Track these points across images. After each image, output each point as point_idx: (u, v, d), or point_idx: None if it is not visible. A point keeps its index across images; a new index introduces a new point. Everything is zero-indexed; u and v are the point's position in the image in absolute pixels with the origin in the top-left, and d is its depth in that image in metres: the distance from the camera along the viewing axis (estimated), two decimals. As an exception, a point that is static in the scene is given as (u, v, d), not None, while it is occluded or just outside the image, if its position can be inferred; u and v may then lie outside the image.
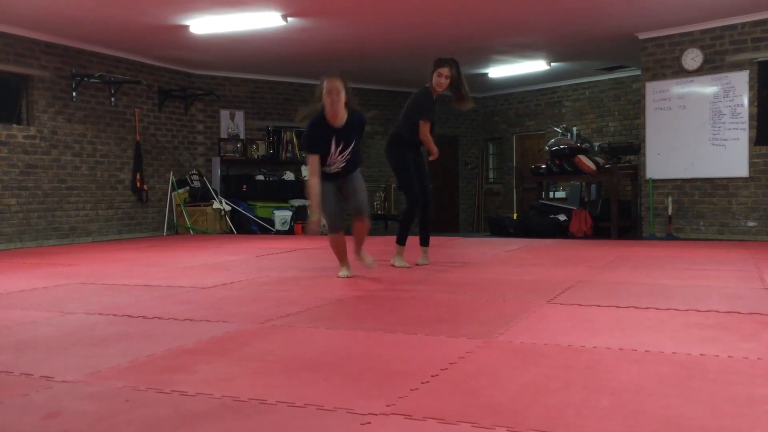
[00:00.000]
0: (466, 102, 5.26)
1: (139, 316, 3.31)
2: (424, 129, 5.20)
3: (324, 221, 4.74)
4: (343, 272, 4.75)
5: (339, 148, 4.52)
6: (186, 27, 7.78)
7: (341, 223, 4.75)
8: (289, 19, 7.50)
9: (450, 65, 5.17)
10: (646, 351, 2.47)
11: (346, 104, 4.49)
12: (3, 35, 7.69)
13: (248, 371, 2.30)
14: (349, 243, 4.86)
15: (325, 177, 4.58)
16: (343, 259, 4.77)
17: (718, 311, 3.23)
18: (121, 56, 9.18)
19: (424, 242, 5.46)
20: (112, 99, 9.10)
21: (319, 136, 4.49)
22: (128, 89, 9.35)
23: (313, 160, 4.47)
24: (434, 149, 5.37)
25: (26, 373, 2.30)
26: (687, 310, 3.26)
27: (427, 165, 5.53)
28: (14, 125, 7.94)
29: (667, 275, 4.58)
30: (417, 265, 5.33)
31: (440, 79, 5.16)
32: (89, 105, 8.81)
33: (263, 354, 2.55)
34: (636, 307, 3.35)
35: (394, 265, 5.23)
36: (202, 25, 7.70)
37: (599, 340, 2.66)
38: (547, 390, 2.02)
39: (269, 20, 7.55)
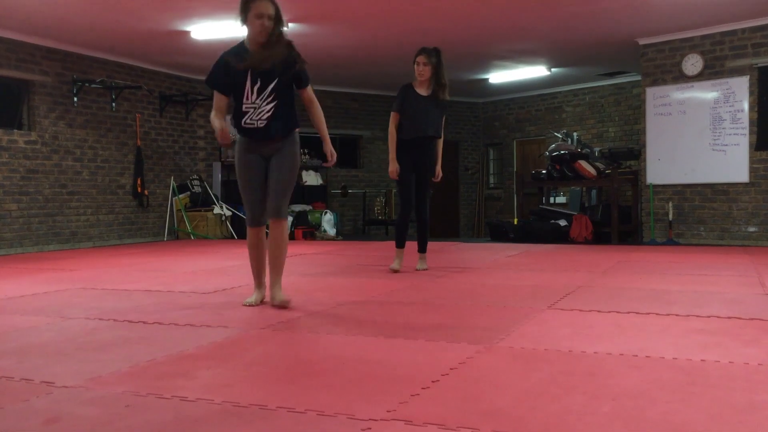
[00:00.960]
0: (442, 92, 5.12)
1: (139, 321, 3.31)
2: (391, 121, 5.19)
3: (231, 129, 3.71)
4: (252, 298, 3.74)
5: (256, 88, 3.54)
6: (187, 32, 7.80)
7: (262, 216, 3.72)
8: (290, 24, 7.51)
9: (425, 53, 5.07)
10: (647, 357, 2.47)
11: (279, 37, 3.53)
12: (4, 41, 7.71)
13: (249, 377, 2.30)
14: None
15: (247, 146, 3.66)
16: (259, 274, 3.78)
17: (719, 317, 3.23)
18: (122, 61, 9.20)
19: (422, 248, 5.46)
20: (113, 104, 9.12)
21: (228, 67, 3.56)
22: (129, 94, 9.36)
23: (217, 99, 3.66)
24: (390, 152, 5.21)
25: (27, 379, 2.29)
26: (688, 316, 3.26)
27: (433, 167, 5.36)
28: (15, 130, 7.96)
29: (668, 281, 4.58)
30: (417, 270, 5.33)
31: (417, 68, 5.08)
32: (90, 110, 8.83)
33: (264, 359, 2.55)
34: (637, 313, 3.35)
35: (392, 269, 5.27)
36: (203, 30, 7.71)
37: (600, 345, 2.66)
38: (548, 396, 2.02)
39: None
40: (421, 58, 5.08)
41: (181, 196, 10.05)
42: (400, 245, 5.35)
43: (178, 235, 10.03)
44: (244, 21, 3.53)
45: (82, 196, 8.72)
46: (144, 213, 9.65)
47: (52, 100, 8.31)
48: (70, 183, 8.54)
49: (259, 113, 3.57)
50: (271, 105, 3.56)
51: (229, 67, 3.55)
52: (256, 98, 3.56)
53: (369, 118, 12.36)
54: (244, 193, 3.71)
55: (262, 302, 3.75)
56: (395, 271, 5.22)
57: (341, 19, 7.46)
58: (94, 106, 8.88)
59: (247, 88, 3.55)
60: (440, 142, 5.33)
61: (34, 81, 8.10)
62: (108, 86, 8.93)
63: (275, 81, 3.54)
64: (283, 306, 3.58)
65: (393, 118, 5.19)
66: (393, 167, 5.17)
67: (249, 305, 3.68)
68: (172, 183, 10.05)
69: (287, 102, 3.61)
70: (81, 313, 3.56)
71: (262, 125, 3.58)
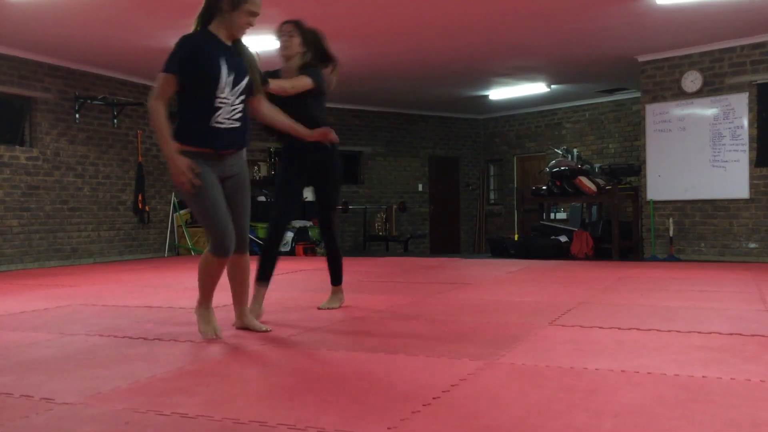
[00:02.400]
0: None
1: (139, 338, 3.30)
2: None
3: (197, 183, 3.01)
4: (207, 330, 3.23)
5: (231, 80, 3.05)
6: (189, 50, 7.83)
7: (232, 243, 3.13)
8: (291, 41, 7.54)
9: (290, 22, 3.96)
10: (648, 373, 2.46)
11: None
12: (8, 58, 7.75)
13: (249, 392, 2.30)
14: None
15: (204, 158, 3.06)
16: (209, 298, 3.24)
17: (720, 333, 3.22)
18: (124, 78, 9.25)
19: (334, 279, 4.18)
20: (115, 121, 9.15)
21: (201, 48, 3.06)
22: (131, 111, 9.40)
23: (167, 86, 3.06)
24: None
25: (26, 395, 2.29)
26: (689, 332, 3.25)
27: (336, 172, 3.99)
28: (17, 147, 7.98)
29: (669, 297, 4.57)
30: (319, 309, 4.09)
31: (282, 41, 3.96)
32: (92, 127, 8.86)
33: (264, 375, 2.54)
34: (638, 329, 3.34)
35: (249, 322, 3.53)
36: (205, 47, 7.75)
37: (601, 362, 2.65)
38: (549, 412, 2.01)
39: (272, 43, 7.60)
40: (286, 27, 3.92)
41: (182, 212, 10.06)
42: (261, 278, 3.89)
43: (178, 251, 10.02)
44: (234, 8, 3.06)
45: (83, 212, 8.73)
46: (145, 229, 9.65)
47: (54, 117, 8.34)
48: (71, 199, 8.56)
49: (231, 112, 3.07)
50: (242, 104, 3.12)
51: (201, 51, 3.05)
52: (229, 92, 3.05)
53: (370, 134, 12.39)
54: (213, 218, 3.06)
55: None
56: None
57: (342, 36, 7.50)
58: (95, 123, 8.91)
59: (222, 77, 3.03)
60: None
61: (37, 98, 8.14)
62: (110, 103, 8.97)
63: (247, 77, 3.12)
64: (261, 328, 3.38)
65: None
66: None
67: (208, 337, 3.19)
68: (173, 199, 10.06)
69: (246, 107, 3.17)
70: (81, 330, 3.55)
71: (234, 126, 3.08)
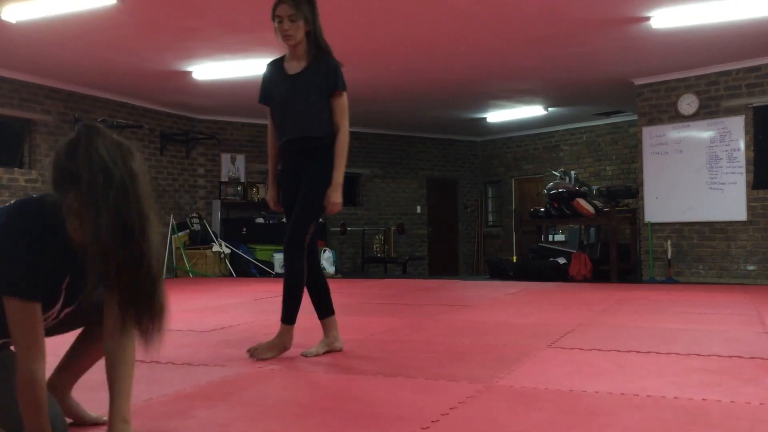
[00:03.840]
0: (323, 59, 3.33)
1: (136, 360, 3.27)
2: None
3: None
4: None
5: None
6: (188, 73, 7.89)
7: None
8: (290, 64, 7.59)
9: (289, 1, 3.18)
10: (647, 396, 2.45)
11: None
12: (7, 80, 7.79)
13: (246, 416, 2.28)
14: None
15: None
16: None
17: (719, 355, 3.21)
18: (124, 101, 9.29)
19: (321, 312, 3.42)
20: (114, 143, 9.17)
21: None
22: (130, 133, 9.44)
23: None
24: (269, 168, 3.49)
25: (22, 419, 2.27)
26: (688, 355, 3.24)
27: (314, 184, 3.26)
28: (16, 169, 8.00)
29: (668, 319, 4.56)
30: (304, 356, 3.28)
31: (281, 28, 3.21)
32: (91, 149, 8.87)
33: (261, 399, 2.53)
34: (637, 351, 3.33)
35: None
36: (205, 71, 7.81)
37: (601, 384, 2.64)
38: (548, 436, 2.00)
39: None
40: (282, 9, 3.16)
41: (180, 234, 10.06)
42: (286, 319, 3.33)
43: (176, 273, 10.00)
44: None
45: (81, 234, 8.71)
46: (143, 251, 9.62)
47: (53, 139, 8.37)
48: (69, 221, 8.54)
49: None
50: None
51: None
52: None
53: (368, 156, 12.43)
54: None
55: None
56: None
57: (340, 58, 7.54)
58: (95, 145, 8.93)
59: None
60: (340, 142, 3.27)
61: (36, 120, 8.17)
62: (109, 125, 9.00)
63: None
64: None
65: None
66: (270, 193, 3.46)
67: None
68: (172, 221, 10.06)
69: None
70: (78, 352, 3.53)
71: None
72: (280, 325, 3.31)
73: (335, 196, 3.24)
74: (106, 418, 1.88)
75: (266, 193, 3.66)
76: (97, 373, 2.08)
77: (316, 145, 3.26)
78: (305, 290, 3.33)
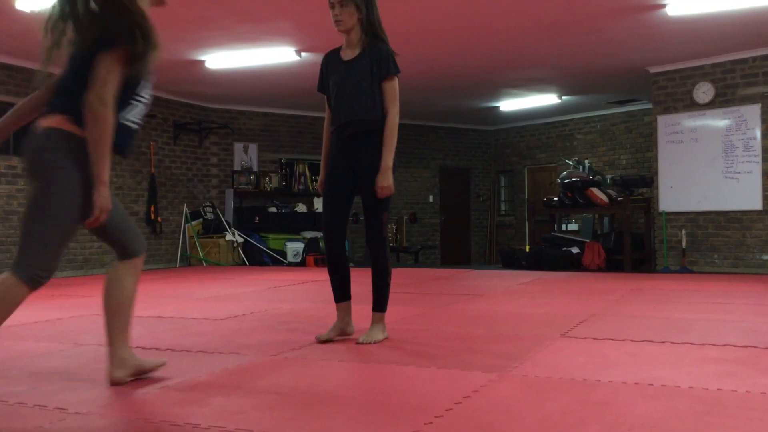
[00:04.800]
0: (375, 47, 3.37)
1: (152, 348, 3.31)
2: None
3: None
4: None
5: None
6: (202, 62, 7.90)
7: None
8: (302, 54, 7.60)
9: None
10: (662, 386, 2.44)
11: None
12: (21, 70, 7.84)
13: (261, 404, 2.30)
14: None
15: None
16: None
17: (734, 345, 3.19)
18: (138, 90, 9.32)
19: (376, 305, 3.48)
20: (128, 132, 9.22)
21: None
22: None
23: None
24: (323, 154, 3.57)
25: (40, 405, 2.30)
26: (703, 345, 3.23)
27: (374, 169, 3.38)
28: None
29: (682, 309, 4.54)
30: (358, 343, 3.34)
31: (332, 13, 3.36)
32: (105, 138, 8.92)
33: (276, 387, 2.54)
34: (651, 341, 3.32)
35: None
36: (218, 60, 7.82)
37: (615, 374, 2.64)
38: (562, 425, 2.00)
39: (283, 55, 7.66)
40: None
41: (193, 222, 10.11)
42: (338, 299, 3.51)
43: (190, 262, 10.06)
44: None
45: (96, 222, 8.78)
46: (157, 240, 9.70)
47: (68, 128, 8.41)
48: (84, 210, 8.61)
49: None
50: None
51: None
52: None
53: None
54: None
55: None
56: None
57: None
58: (109, 134, 8.98)
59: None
60: (389, 126, 3.36)
61: (51, 109, 8.21)
62: (123, 114, 9.04)
63: None
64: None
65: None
66: (320, 179, 3.56)
67: None
68: (185, 210, 10.11)
69: None
70: (94, 340, 3.57)
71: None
72: (372, 314, 3.46)
73: (384, 179, 3.35)
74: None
75: (317, 180, 3.85)
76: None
77: (368, 128, 3.35)
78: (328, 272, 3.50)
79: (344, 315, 3.50)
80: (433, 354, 3.10)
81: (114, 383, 2.51)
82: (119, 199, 9.34)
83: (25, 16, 6.12)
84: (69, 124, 2.33)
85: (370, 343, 3.32)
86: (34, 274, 2.30)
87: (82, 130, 2.32)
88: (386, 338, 3.44)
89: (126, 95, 2.41)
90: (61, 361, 3.07)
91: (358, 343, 3.33)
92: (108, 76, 2.29)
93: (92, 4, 2.36)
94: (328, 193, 3.43)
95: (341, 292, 3.49)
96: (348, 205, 3.47)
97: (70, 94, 2.37)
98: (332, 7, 3.31)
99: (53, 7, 2.41)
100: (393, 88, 3.36)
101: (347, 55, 3.41)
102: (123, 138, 2.50)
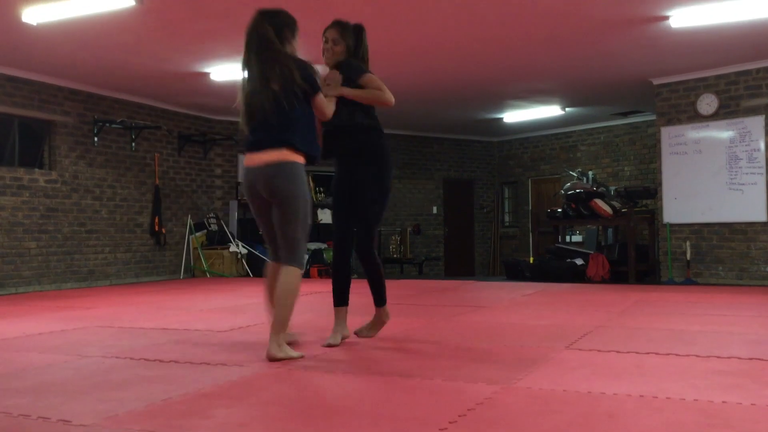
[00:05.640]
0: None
1: (155, 360, 3.31)
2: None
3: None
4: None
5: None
6: (206, 74, 7.94)
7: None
8: (307, 65, 7.62)
9: (338, 26, 3.73)
10: (667, 398, 2.43)
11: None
12: (28, 82, 7.89)
13: (264, 416, 2.29)
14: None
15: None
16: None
17: (739, 358, 3.18)
18: (143, 102, 9.37)
19: (377, 300, 3.83)
20: (133, 144, 9.26)
21: None
22: (148, 134, 9.51)
23: None
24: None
25: (43, 417, 2.30)
26: (708, 357, 3.21)
27: (366, 178, 3.64)
28: (36, 169, 8.09)
29: (687, 321, 4.53)
30: (356, 334, 3.84)
31: (325, 47, 3.72)
32: (110, 150, 8.97)
33: (279, 399, 2.54)
34: (656, 353, 3.31)
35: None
36: (223, 72, 7.85)
37: (620, 386, 2.63)
38: (567, 438, 1.99)
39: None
40: (330, 32, 3.69)
41: (197, 234, 10.13)
42: (338, 302, 3.75)
43: (194, 273, 10.07)
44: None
45: (101, 234, 8.80)
46: (161, 251, 9.71)
47: (73, 140, 8.45)
48: (88, 221, 8.64)
49: None
50: None
51: None
52: None
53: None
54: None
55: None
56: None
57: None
58: (114, 146, 9.02)
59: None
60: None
61: (56, 121, 8.26)
62: (128, 126, 9.08)
63: None
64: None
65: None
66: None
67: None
68: (189, 221, 10.13)
69: None
70: (98, 351, 3.57)
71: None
72: (375, 309, 3.87)
73: (334, 90, 3.59)
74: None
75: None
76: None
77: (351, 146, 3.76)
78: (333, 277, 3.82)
79: (341, 320, 3.76)
80: (438, 366, 3.09)
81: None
82: (123, 210, 9.37)
83: (32, 29, 6.16)
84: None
85: (370, 337, 3.84)
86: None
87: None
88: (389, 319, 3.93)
89: None
90: (65, 372, 3.07)
91: (355, 333, 3.85)
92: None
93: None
94: (337, 201, 3.74)
95: (342, 297, 3.75)
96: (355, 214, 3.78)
97: None
98: (326, 41, 3.68)
99: None
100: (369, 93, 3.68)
101: None
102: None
